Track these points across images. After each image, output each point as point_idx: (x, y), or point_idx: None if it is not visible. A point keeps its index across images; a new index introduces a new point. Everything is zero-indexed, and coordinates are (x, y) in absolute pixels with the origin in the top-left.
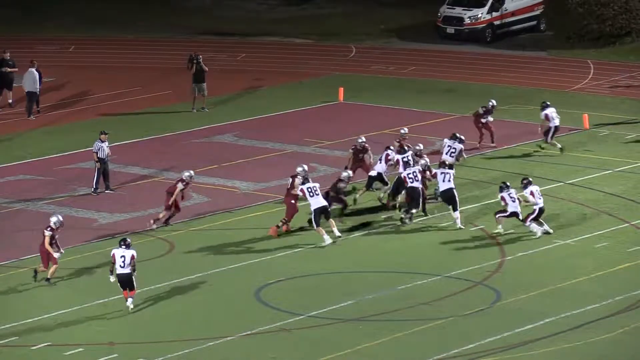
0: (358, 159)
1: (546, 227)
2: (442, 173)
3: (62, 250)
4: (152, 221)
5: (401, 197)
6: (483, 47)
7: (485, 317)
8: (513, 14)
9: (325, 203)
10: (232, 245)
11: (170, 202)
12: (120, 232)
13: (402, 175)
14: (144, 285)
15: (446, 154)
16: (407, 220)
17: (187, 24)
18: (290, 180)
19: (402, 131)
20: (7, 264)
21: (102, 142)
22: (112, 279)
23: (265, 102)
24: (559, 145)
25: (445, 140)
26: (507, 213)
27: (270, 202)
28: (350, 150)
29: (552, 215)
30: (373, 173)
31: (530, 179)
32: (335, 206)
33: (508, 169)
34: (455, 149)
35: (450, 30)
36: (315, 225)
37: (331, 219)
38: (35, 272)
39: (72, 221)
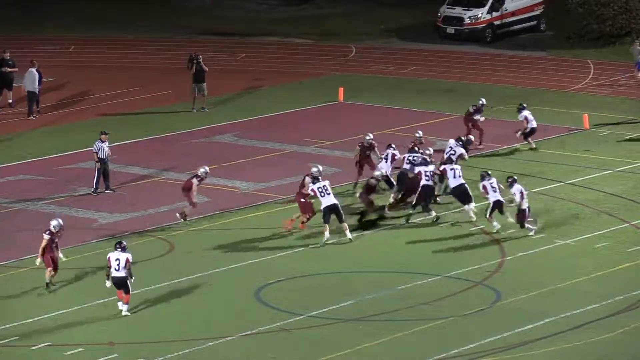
0: (365, 156)
1: (529, 226)
2: (451, 169)
3: (61, 255)
4: (178, 215)
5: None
6: (483, 47)
7: (485, 317)
8: (513, 14)
9: (335, 201)
10: (232, 245)
11: (193, 199)
12: (121, 232)
13: (418, 170)
14: (144, 285)
15: (446, 153)
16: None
17: (187, 24)
18: (303, 178)
19: (417, 135)
20: (7, 264)
21: (103, 142)
22: (109, 284)
23: (265, 102)
24: (534, 145)
25: (451, 140)
26: (490, 204)
27: (270, 202)
28: (358, 147)
29: (552, 215)
30: (378, 173)
31: (515, 177)
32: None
33: (508, 169)
34: (455, 151)
35: (450, 30)
36: (324, 221)
37: (344, 222)
38: (47, 284)
39: (72, 221)
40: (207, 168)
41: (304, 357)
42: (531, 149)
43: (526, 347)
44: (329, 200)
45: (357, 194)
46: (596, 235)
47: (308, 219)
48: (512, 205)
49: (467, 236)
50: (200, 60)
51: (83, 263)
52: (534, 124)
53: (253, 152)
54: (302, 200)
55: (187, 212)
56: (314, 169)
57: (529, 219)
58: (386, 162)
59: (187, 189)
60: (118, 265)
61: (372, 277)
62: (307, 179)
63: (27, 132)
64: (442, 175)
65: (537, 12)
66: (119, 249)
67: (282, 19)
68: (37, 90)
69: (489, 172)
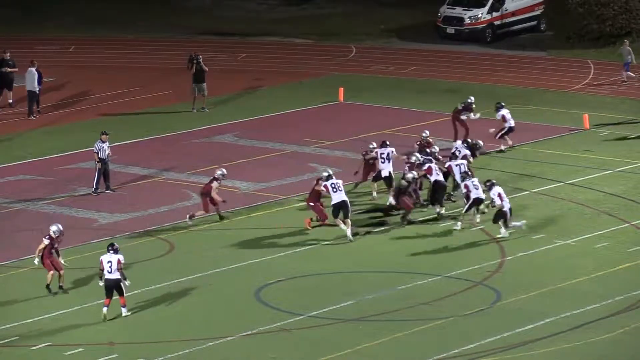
0: (369, 164)
1: (515, 223)
2: (456, 165)
3: (63, 261)
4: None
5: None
6: (483, 47)
7: (485, 317)
8: (513, 14)
9: (345, 198)
10: (232, 245)
11: (216, 201)
12: (121, 232)
13: (428, 166)
14: (144, 285)
15: (452, 153)
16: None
17: (187, 24)
18: (315, 183)
19: (424, 134)
20: (7, 264)
21: (103, 142)
22: (101, 283)
23: (265, 102)
24: (510, 143)
25: (458, 142)
26: (471, 199)
27: (270, 202)
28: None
29: (552, 215)
30: (385, 173)
31: (494, 181)
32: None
33: (508, 169)
34: (460, 151)
35: (451, 30)
36: (333, 217)
37: (348, 220)
38: (47, 285)
39: (72, 221)
40: (224, 170)
41: (304, 357)
42: (505, 149)
43: (526, 347)
44: (339, 196)
45: (390, 200)
46: (596, 236)
47: (323, 223)
48: (493, 208)
49: (467, 236)
50: (200, 60)
51: (83, 263)
52: (511, 122)
53: (253, 152)
54: (312, 204)
55: (219, 212)
56: (325, 174)
57: (511, 220)
58: (389, 162)
59: (206, 193)
60: (110, 267)
61: (372, 277)
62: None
63: (27, 132)
64: (448, 173)
65: (537, 12)
66: (111, 251)
67: (282, 19)
68: (37, 89)
69: (469, 173)
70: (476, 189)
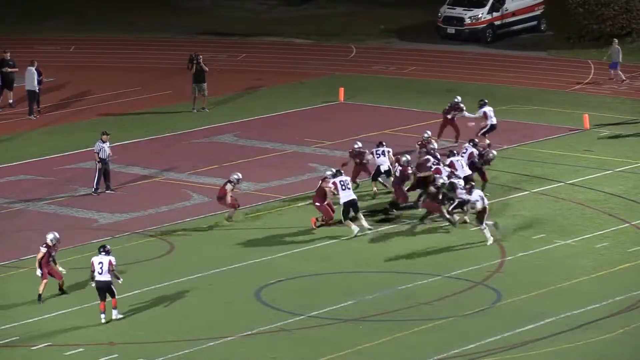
0: (357, 163)
1: (489, 222)
2: (457, 160)
3: (61, 269)
4: (227, 221)
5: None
6: (483, 47)
7: (485, 317)
8: (513, 14)
9: (354, 197)
10: (232, 245)
11: (230, 202)
12: (121, 232)
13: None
14: (144, 285)
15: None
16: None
17: (187, 24)
18: (320, 182)
19: (425, 134)
20: (7, 264)
21: (104, 142)
22: (93, 284)
23: (265, 102)
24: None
25: (467, 144)
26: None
27: (270, 202)
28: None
29: (553, 215)
30: (385, 167)
31: (473, 184)
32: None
33: (508, 169)
34: (466, 150)
35: (451, 30)
36: (343, 218)
37: (359, 214)
38: (39, 295)
39: (72, 221)
40: (239, 174)
41: (304, 357)
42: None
43: (526, 347)
44: (348, 195)
45: (420, 204)
46: (596, 236)
47: (327, 223)
48: (473, 211)
49: (467, 236)
50: (200, 60)
51: (83, 263)
52: (493, 120)
53: (253, 152)
54: (317, 204)
55: (232, 215)
56: (329, 172)
57: (488, 221)
58: (385, 156)
59: (221, 196)
60: (101, 268)
61: (372, 277)
62: (328, 175)
63: (27, 132)
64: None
65: (538, 12)
66: (103, 253)
67: (282, 19)
68: (37, 89)
69: (457, 174)
70: (461, 190)
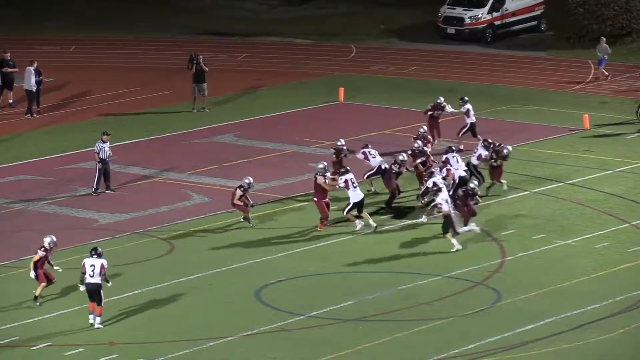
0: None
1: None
2: (452, 157)
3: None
4: (247, 222)
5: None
6: (483, 47)
7: (485, 317)
8: (514, 14)
9: (362, 195)
10: (232, 245)
11: (240, 205)
12: (121, 232)
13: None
14: (144, 285)
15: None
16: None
17: (187, 24)
18: (315, 178)
19: (421, 130)
20: (7, 264)
21: (104, 142)
22: (82, 288)
23: (265, 102)
24: (462, 147)
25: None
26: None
27: (270, 202)
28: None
29: (553, 215)
30: (385, 165)
31: (442, 186)
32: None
33: (508, 169)
34: (475, 150)
35: (451, 30)
36: (344, 212)
37: (364, 211)
38: (35, 297)
39: (72, 221)
40: (250, 179)
41: (304, 357)
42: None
43: (526, 347)
44: (358, 194)
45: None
46: (596, 236)
47: (320, 221)
48: (439, 214)
49: (468, 236)
50: (200, 60)
51: None
52: (473, 119)
53: (253, 152)
54: (315, 199)
55: (246, 215)
56: (320, 166)
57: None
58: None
59: (232, 201)
60: (93, 271)
61: (372, 277)
62: (319, 178)
63: (27, 132)
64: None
65: (538, 12)
66: (95, 255)
67: (282, 19)
68: (34, 88)
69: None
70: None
